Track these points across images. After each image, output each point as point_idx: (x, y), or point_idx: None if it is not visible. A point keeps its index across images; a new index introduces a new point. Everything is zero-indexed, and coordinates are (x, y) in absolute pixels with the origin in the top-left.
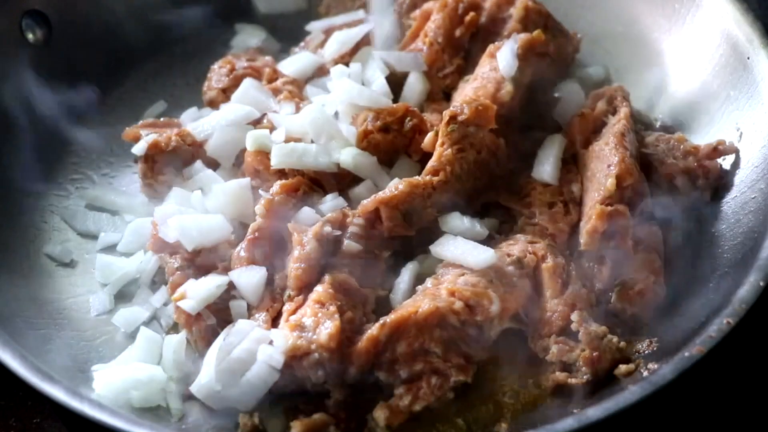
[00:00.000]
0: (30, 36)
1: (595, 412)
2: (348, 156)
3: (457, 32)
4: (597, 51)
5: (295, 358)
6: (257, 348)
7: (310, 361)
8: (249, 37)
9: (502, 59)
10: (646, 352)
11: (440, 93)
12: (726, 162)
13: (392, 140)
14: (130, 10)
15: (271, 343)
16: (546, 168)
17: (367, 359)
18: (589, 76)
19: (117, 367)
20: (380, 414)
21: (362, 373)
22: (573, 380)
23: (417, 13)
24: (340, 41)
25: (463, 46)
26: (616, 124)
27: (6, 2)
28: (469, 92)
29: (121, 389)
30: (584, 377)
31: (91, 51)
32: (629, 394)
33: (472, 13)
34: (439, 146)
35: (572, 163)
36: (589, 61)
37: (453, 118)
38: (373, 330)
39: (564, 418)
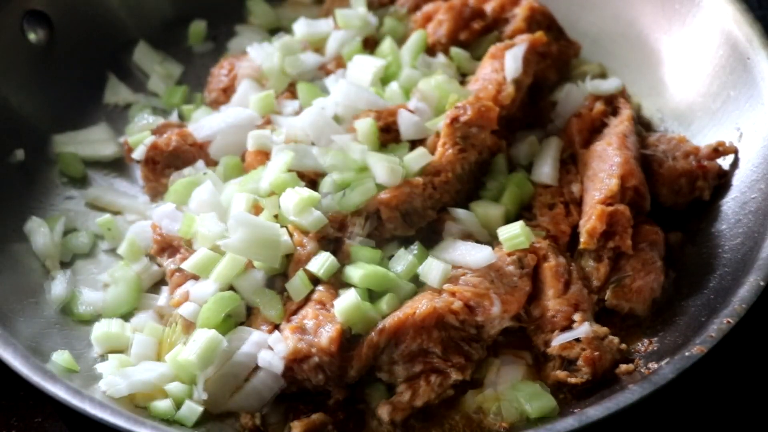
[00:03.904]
0: (31, 36)
1: (596, 411)
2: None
3: (462, 36)
4: (597, 51)
5: (295, 361)
6: (257, 352)
7: (310, 364)
8: (249, 38)
9: (509, 61)
10: (646, 351)
11: None
12: (726, 162)
13: (393, 140)
14: (131, 11)
15: (270, 347)
16: (545, 170)
17: (367, 363)
18: (586, 73)
19: (125, 368)
20: (383, 410)
21: (362, 374)
22: (573, 379)
23: (419, 14)
24: (340, 41)
25: (465, 49)
26: (619, 125)
27: (7, 2)
28: None
29: (129, 389)
30: (584, 377)
31: (92, 51)
32: (630, 393)
33: (480, 22)
34: (440, 146)
35: (571, 164)
36: (588, 61)
37: (455, 119)
38: (373, 335)
39: (564, 417)
